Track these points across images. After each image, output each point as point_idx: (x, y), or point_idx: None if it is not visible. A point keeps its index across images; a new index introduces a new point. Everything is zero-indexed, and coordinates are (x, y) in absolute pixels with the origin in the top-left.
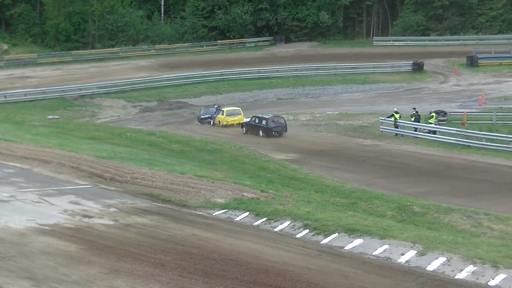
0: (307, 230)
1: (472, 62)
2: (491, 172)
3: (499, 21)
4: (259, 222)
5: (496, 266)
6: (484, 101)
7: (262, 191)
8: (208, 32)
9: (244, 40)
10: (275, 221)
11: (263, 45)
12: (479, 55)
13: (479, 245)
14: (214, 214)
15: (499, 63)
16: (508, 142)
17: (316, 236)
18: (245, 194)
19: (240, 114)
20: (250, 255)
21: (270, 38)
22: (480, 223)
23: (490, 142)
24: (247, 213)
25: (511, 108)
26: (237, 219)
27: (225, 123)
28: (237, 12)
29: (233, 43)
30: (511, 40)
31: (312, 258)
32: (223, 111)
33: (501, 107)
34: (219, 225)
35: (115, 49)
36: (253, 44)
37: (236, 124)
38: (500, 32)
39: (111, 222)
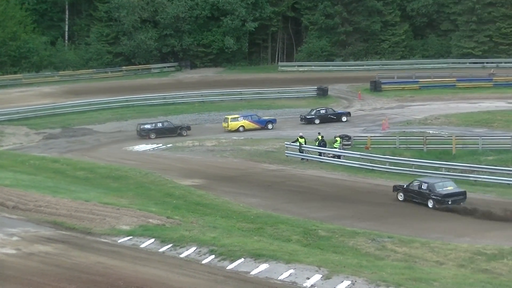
0: (213, 256)
1: (376, 87)
2: (394, 195)
3: (401, 47)
4: (165, 248)
5: None
6: (388, 125)
7: (168, 217)
8: (113, 58)
9: (149, 66)
10: (181, 247)
11: (168, 71)
12: (383, 80)
13: (383, 268)
14: (119, 242)
15: (402, 87)
16: (411, 166)
17: (222, 261)
18: (150, 220)
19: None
20: (156, 282)
21: (176, 64)
22: (384, 246)
23: (393, 166)
24: (152, 240)
25: (414, 132)
26: (143, 246)
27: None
28: (142, 38)
29: (139, 69)
30: (413, 65)
31: (218, 284)
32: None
33: (404, 131)
34: (124, 252)
35: (18, 75)
36: (158, 70)
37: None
38: (402, 57)
39: (14, 251)
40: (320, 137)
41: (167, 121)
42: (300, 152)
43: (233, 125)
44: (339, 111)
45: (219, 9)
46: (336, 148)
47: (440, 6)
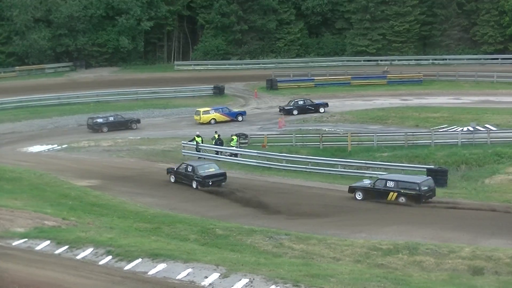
0: (110, 257)
1: (272, 85)
2: (292, 193)
3: (297, 45)
4: (61, 250)
5: (297, 285)
6: (284, 123)
7: (63, 218)
8: (6, 58)
9: (43, 66)
10: (77, 249)
11: (63, 71)
12: (279, 79)
13: (281, 265)
14: (13, 244)
15: (298, 85)
16: (307, 163)
17: (119, 262)
18: (46, 222)
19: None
20: (52, 284)
21: (70, 63)
22: (281, 243)
23: (290, 164)
24: (48, 242)
25: (310, 129)
26: (38, 248)
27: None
28: (35, 38)
29: (32, 69)
30: (309, 63)
31: (115, 284)
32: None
33: (300, 129)
34: (18, 255)
35: None
36: (52, 70)
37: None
38: (298, 55)
39: None
40: (216, 136)
41: (118, 114)
42: (197, 151)
43: (205, 117)
44: (317, 102)
45: (114, 8)
46: (233, 146)
47: (334, 4)
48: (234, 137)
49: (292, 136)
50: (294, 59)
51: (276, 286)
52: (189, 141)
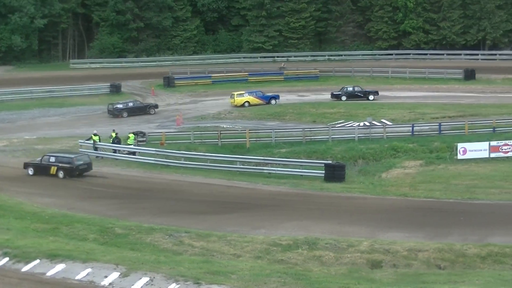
0: (7, 258)
1: (169, 82)
2: (191, 191)
3: (193, 42)
4: None
5: (198, 282)
6: (182, 120)
7: None
8: None
9: None
10: None
11: None
12: (176, 76)
13: (181, 263)
14: None
15: (195, 83)
16: (206, 160)
17: (16, 263)
18: None
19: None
20: None
21: None
22: (181, 241)
23: (188, 161)
24: None
25: (208, 127)
26: None
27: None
28: None
29: None
30: (206, 60)
31: (13, 286)
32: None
33: (198, 126)
34: None
35: None
36: None
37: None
38: (195, 53)
39: None
40: (114, 134)
41: (137, 100)
42: (95, 150)
43: (239, 100)
44: (367, 89)
45: (6, 6)
46: (130, 144)
47: (230, 1)
48: (131, 135)
49: (190, 134)
50: (191, 56)
51: (177, 284)
52: (86, 140)
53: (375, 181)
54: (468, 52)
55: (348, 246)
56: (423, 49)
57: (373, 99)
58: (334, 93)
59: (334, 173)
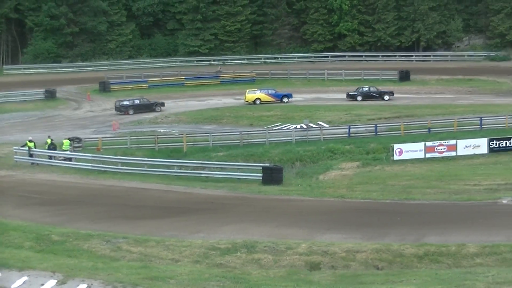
0: None
1: (105, 87)
2: (128, 196)
3: (129, 47)
4: None
5: None
6: (118, 125)
7: None
8: None
9: None
10: None
11: None
12: (111, 81)
13: (119, 269)
14: None
15: (131, 87)
16: (143, 165)
17: None
18: None
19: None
20: None
21: None
22: (119, 247)
23: (125, 166)
24: None
25: (145, 131)
26: None
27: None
28: None
29: None
30: (142, 64)
31: None
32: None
33: (135, 131)
34: None
35: None
36: None
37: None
38: (130, 57)
39: None
40: (49, 141)
41: (143, 98)
42: (30, 157)
43: (250, 97)
44: (382, 90)
45: None
46: (66, 150)
47: (166, 5)
48: (66, 141)
49: (127, 139)
50: (127, 61)
51: None
52: (21, 147)
53: (313, 183)
54: (402, 53)
55: (286, 248)
56: (358, 51)
57: (388, 99)
58: (350, 93)
59: (272, 175)
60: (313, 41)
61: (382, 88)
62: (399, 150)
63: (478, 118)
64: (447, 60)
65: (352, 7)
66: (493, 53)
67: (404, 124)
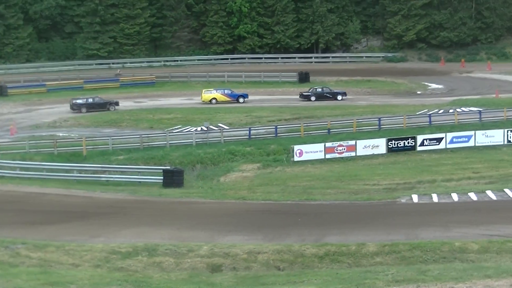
0: None
1: (2, 91)
2: (27, 201)
3: (26, 50)
4: None
5: None
6: (16, 130)
7: None
8: None
9: None
10: None
11: None
12: (8, 85)
13: (18, 275)
14: None
15: (29, 91)
16: (42, 170)
17: None
18: None
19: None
20: None
21: None
22: (18, 252)
23: (24, 171)
24: None
25: (43, 136)
26: None
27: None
28: None
29: None
30: (40, 68)
31: None
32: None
33: (34, 135)
34: None
35: None
36: None
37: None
38: (28, 61)
39: None
40: None
41: (97, 96)
42: None
43: (206, 97)
44: (335, 91)
45: None
46: None
47: (64, 8)
48: None
49: (25, 143)
50: (24, 64)
51: None
52: None
53: (214, 185)
54: (302, 55)
55: (188, 251)
56: (258, 53)
57: (341, 99)
58: (304, 93)
59: (173, 178)
60: (212, 44)
61: (335, 89)
62: (299, 151)
63: (377, 119)
64: (346, 61)
65: (251, 10)
66: (390, 55)
67: (304, 125)
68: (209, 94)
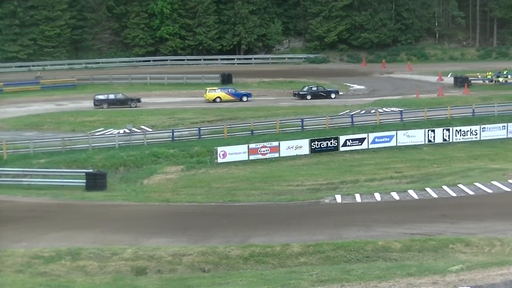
0: None
1: None
2: None
3: None
4: None
5: None
6: None
7: None
8: None
9: None
10: None
11: None
12: None
13: None
14: None
15: None
16: None
17: None
18: None
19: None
20: None
21: None
22: None
23: None
24: None
25: None
26: None
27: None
28: None
29: None
30: None
31: None
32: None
33: None
34: None
35: None
36: None
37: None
38: None
39: None
40: None
41: (120, 93)
42: None
43: (210, 95)
44: (328, 89)
45: None
46: None
47: None
48: None
49: None
50: None
51: None
52: None
53: (137, 188)
54: (224, 57)
55: (112, 254)
56: (180, 54)
57: (334, 97)
58: (300, 93)
59: (96, 181)
60: (134, 46)
61: (328, 88)
62: (223, 152)
63: (300, 120)
64: (268, 63)
65: (173, 11)
66: (312, 56)
67: (228, 127)
68: (213, 93)
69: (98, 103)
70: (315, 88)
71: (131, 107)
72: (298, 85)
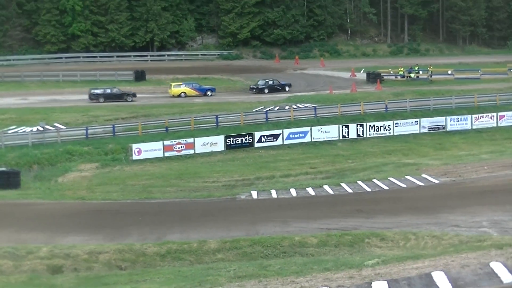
0: None
1: None
2: None
3: None
4: None
5: None
6: None
7: None
8: None
9: None
10: None
11: None
12: None
13: None
14: None
15: None
16: None
17: None
18: None
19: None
20: None
21: None
22: None
23: None
24: None
25: None
26: None
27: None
28: None
29: None
30: None
31: None
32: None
33: None
34: None
35: None
36: None
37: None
38: None
39: None
40: None
41: (115, 87)
42: None
43: (175, 90)
44: (282, 82)
45: None
46: None
47: None
48: None
49: None
50: None
51: None
52: None
53: (52, 186)
54: (137, 53)
55: (27, 253)
56: (93, 51)
57: (288, 90)
58: (259, 87)
59: (9, 180)
60: (46, 43)
61: (282, 81)
62: (137, 150)
63: (214, 116)
64: (182, 59)
65: (84, 8)
66: (225, 52)
67: (142, 124)
68: (178, 88)
69: (94, 97)
70: (271, 82)
71: (127, 101)
72: (212, 82)
